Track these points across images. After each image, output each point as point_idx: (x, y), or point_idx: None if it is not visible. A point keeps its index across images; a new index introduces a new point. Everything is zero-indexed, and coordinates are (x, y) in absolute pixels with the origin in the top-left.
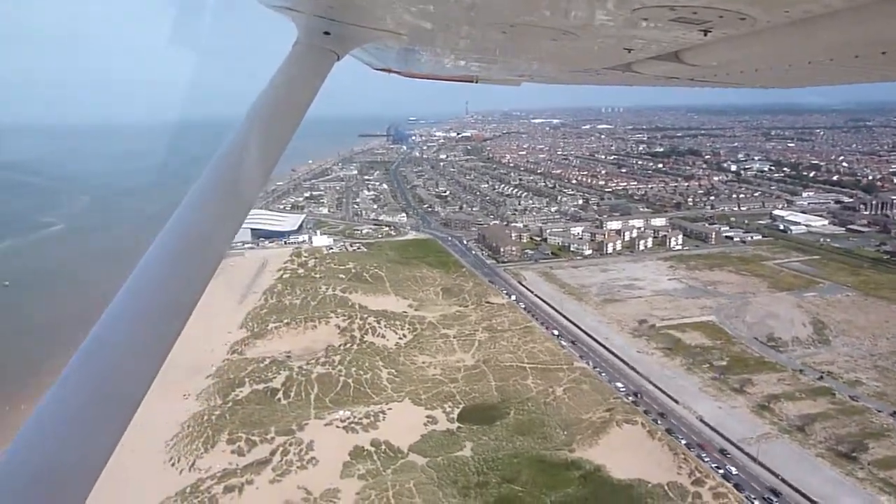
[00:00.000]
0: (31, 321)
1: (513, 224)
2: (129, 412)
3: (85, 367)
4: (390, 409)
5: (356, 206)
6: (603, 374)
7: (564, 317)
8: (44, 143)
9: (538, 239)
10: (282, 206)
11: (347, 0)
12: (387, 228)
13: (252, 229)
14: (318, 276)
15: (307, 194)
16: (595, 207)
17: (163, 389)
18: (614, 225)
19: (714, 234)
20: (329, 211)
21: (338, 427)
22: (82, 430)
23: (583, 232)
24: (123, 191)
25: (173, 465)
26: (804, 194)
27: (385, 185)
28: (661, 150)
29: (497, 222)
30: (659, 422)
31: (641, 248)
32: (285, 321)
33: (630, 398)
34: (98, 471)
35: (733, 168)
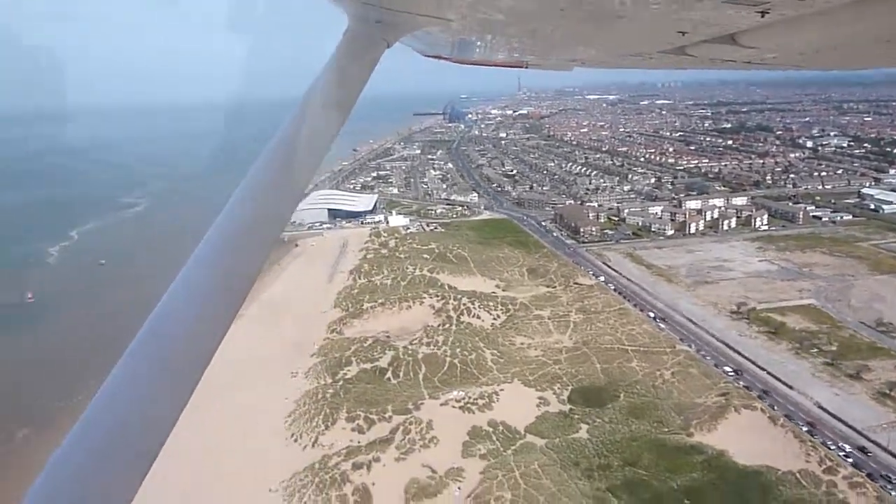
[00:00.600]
0: (131, 297)
1: (587, 203)
2: (191, 385)
3: (150, 343)
4: (502, 390)
5: (425, 186)
6: (708, 358)
7: (657, 298)
8: (118, 124)
9: (616, 219)
10: (351, 186)
11: None
12: (460, 208)
13: (329, 209)
14: (402, 256)
15: (374, 174)
16: (669, 186)
17: (270, 366)
18: (693, 204)
19: (801, 213)
20: (399, 191)
21: (454, 407)
22: (148, 401)
23: (662, 212)
24: (195, 171)
25: (296, 440)
26: (892, 171)
27: (450, 165)
28: (729, 126)
29: (572, 202)
30: (775, 407)
31: (725, 228)
32: (380, 301)
33: (741, 383)
34: (164, 436)
35: (809, 144)
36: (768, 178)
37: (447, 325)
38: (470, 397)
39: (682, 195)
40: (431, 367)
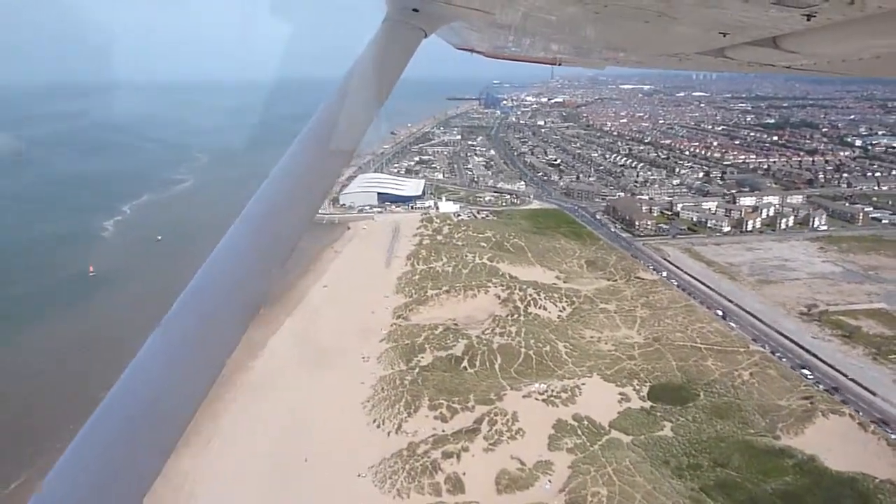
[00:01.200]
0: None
1: (637, 196)
2: (218, 367)
3: (179, 322)
4: (583, 384)
5: (470, 173)
6: (784, 360)
7: (723, 296)
8: (159, 100)
9: (668, 213)
10: (395, 170)
11: None
12: (508, 197)
13: (378, 193)
14: (460, 243)
15: (417, 158)
16: (720, 182)
17: (340, 350)
18: (747, 201)
19: (860, 214)
20: (444, 176)
21: (537, 399)
22: (167, 391)
23: (716, 208)
24: (235, 146)
25: (378, 426)
26: None
27: (492, 152)
28: (772, 121)
29: (622, 194)
30: (861, 413)
31: (783, 226)
32: (444, 288)
33: (821, 386)
34: (193, 411)
35: (858, 143)
36: (820, 176)
37: (515, 316)
38: (553, 390)
39: (734, 191)
40: (507, 358)
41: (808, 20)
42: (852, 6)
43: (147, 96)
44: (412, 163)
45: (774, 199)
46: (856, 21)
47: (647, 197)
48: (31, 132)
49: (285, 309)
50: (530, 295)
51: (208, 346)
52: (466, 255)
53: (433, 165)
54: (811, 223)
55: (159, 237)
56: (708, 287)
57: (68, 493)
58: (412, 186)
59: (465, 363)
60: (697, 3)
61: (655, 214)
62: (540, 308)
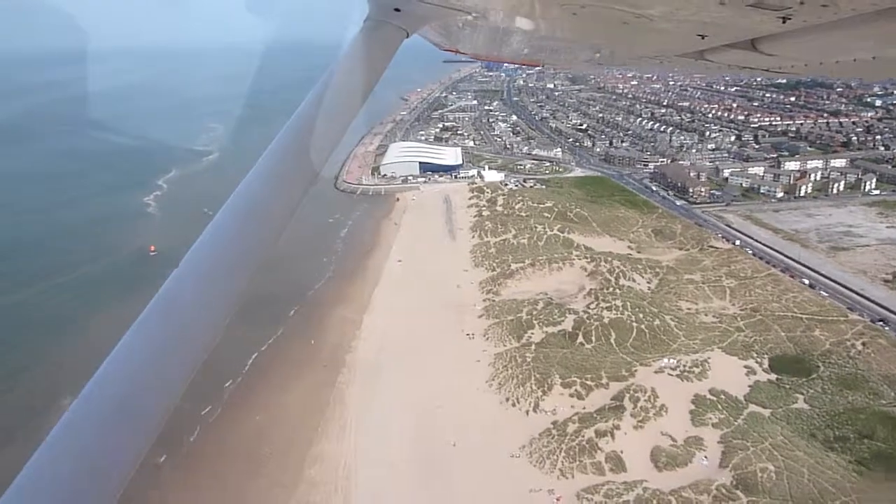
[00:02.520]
0: None
1: (678, 162)
2: (195, 364)
3: (161, 311)
4: (709, 358)
5: (499, 140)
6: (887, 328)
7: (802, 264)
8: (145, 68)
9: (715, 179)
10: (423, 138)
11: None
12: (548, 164)
13: (420, 163)
14: (524, 214)
15: (440, 125)
16: (755, 145)
17: (440, 327)
18: (792, 165)
19: None
20: (474, 143)
21: (670, 375)
22: (152, 378)
23: (764, 173)
24: (244, 115)
25: (513, 405)
26: None
27: (514, 117)
28: (784, 81)
29: (664, 161)
30: None
31: (834, 191)
32: (527, 262)
33: None
34: (168, 409)
35: (878, 103)
36: (853, 138)
37: (608, 289)
38: (683, 365)
39: (774, 155)
40: (620, 333)
41: (784, 23)
42: (826, 9)
43: (131, 64)
44: (437, 130)
45: (818, 163)
46: (830, 24)
47: (687, 163)
48: (20, 104)
49: (367, 285)
50: (617, 267)
51: (185, 343)
52: (536, 227)
53: (459, 132)
54: (862, 187)
55: (208, 211)
56: (783, 255)
57: (40, 492)
58: (450, 155)
59: (580, 339)
60: (675, 5)
61: (703, 180)
62: (629, 280)
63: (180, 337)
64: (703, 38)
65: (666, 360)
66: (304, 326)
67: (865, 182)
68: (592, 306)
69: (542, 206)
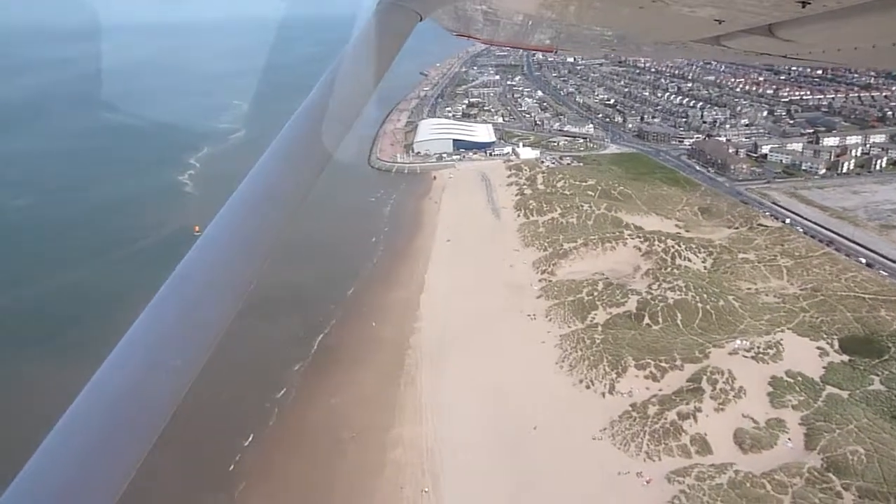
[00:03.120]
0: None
1: (714, 138)
2: (209, 347)
3: (171, 298)
4: (780, 339)
5: (528, 116)
6: None
7: (855, 243)
8: (151, 44)
9: (754, 156)
10: (451, 115)
11: None
12: (582, 141)
13: (454, 140)
14: (568, 192)
15: (466, 101)
16: (789, 121)
17: (498, 307)
18: (830, 141)
19: None
20: (503, 120)
21: (744, 356)
22: (155, 377)
23: (803, 149)
24: (263, 91)
25: (587, 387)
26: None
27: (540, 93)
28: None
29: (699, 137)
30: None
31: (877, 167)
32: (580, 241)
33: None
34: (170, 410)
35: None
36: (888, 113)
37: (665, 268)
38: (757, 347)
39: (810, 131)
40: (686, 314)
41: (804, 7)
42: None
43: (135, 39)
44: (463, 106)
45: (857, 139)
46: (851, 8)
47: (723, 139)
48: (31, 81)
49: (418, 265)
50: (672, 246)
51: (195, 332)
52: (582, 206)
53: (487, 108)
54: None
55: None
56: (836, 233)
57: (39, 494)
58: (483, 132)
59: (646, 320)
60: None
61: (741, 157)
62: (684, 260)
63: (191, 325)
64: (720, 24)
65: (738, 341)
66: (363, 308)
67: None
68: (654, 287)
69: (584, 184)
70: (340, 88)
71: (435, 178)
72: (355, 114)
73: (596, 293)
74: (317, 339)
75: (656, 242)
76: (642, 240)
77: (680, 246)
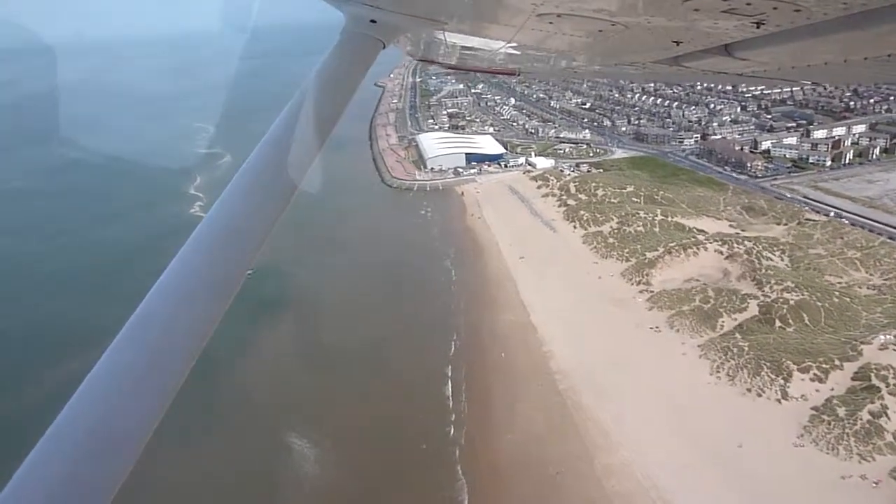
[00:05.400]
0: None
1: (724, 137)
2: (187, 367)
3: (137, 333)
4: None
5: (516, 124)
6: None
7: None
8: (79, 64)
9: (756, 151)
10: (437, 127)
11: None
12: (585, 147)
13: (466, 154)
14: (614, 200)
15: (444, 112)
16: (767, 115)
17: (612, 322)
18: (819, 134)
19: None
20: (494, 130)
21: (894, 350)
22: (133, 395)
23: (800, 143)
24: (228, 112)
25: (758, 395)
26: None
27: (513, 100)
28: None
29: (699, 137)
30: None
31: (873, 157)
32: (661, 249)
33: None
34: (156, 419)
35: None
36: (852, 104)
37: (759, 270)
38: None
39: (791, 125)
40: (811, 313)
41: (758, 27)
42: (799, 13)
43: (50, 61)
44: (445, 117)
45: (842, 131)
46: (803, 28)
47: (720, 136)
48: None
49: (507, 285)
50: (751, 248)
51: (163, 363)
52: (638, 213)
53: (469, 119)
54: None
55: None
56: (874, 222)
57: (33, 499)
58: (489, 143)
59: (777, 323)
60: (650, 13)
61: (753, 154)
62: (766, 259)
63: (159, 357)
64: (678, 45)
65: (882, 336)
66: (479, 337)
67: None
68: (766, 289)
69: (623, 190)
70: (305, 117)
71: (463, 193)
72: (320, 142)
73: (711, 300)
74: (449, 372)
75: (735, 245)
76: (720, 243)
77: (757, 246)
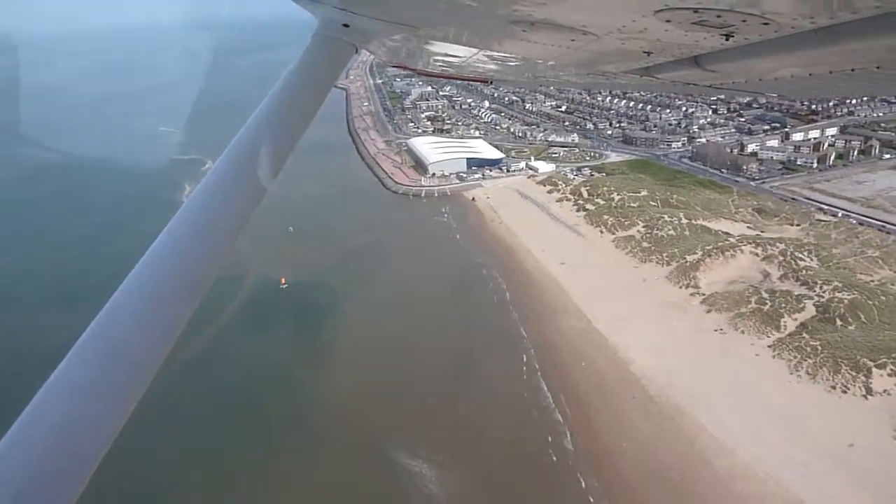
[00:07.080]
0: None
1: (698, 141)
2: (141, 386)
3: (98, 339)
4: None
5: (499, 128)
6: None
7: None
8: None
9: (744, 155)
10: (420, 131)
11: None
12: (577, 150)
13: (467, 159)
14: (634, 204)
15: (424, 116)
16: (741, 119)
17: (671, 326)
18: (797, 136)
19: None
20: (479, 133)
21: None
22: (98, 395)
23: (780, 145)
24: (190, 110)
25: (844, 392)
26: None
27: (487, 103)
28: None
29: (685, 140)
30: None
31: (852, 158)
32: (699, 253)
33: None
34: (116, 429)
35: None
36: (814, 107)
37: (799, 270)
38: None
39: (766, 128)
40: (865, 310)
41: (727, 40)
42: (767, 27)
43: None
44: (425, 122)
45: (817, 133)
46: (770, 42)
47: (705, 140)
48: None
49: (557, 292)
50: (784, 249)
51: (142, 348)
52: (663, 216)
53: (452, 122)
54: (873, 153)
55: (292, 229)
56: (879, 221)
57: (8, 478)
58: (485, 148)
59: (838, 322)
60: (621, 23)
61: (744, 156)
62: (800, 260)
63: (121, 361)
64: (648, 55)
65: None
66: (551, 346)
67: (874, 148)
68: (818, 288)
69: (638, 194)
70: (276, 119)
71: (474, 199)
72: (292, 145)
73: (768, 301)
74: (541, 380)
75: (768, 247)
76: (754, 245)
77: (789, 248)
